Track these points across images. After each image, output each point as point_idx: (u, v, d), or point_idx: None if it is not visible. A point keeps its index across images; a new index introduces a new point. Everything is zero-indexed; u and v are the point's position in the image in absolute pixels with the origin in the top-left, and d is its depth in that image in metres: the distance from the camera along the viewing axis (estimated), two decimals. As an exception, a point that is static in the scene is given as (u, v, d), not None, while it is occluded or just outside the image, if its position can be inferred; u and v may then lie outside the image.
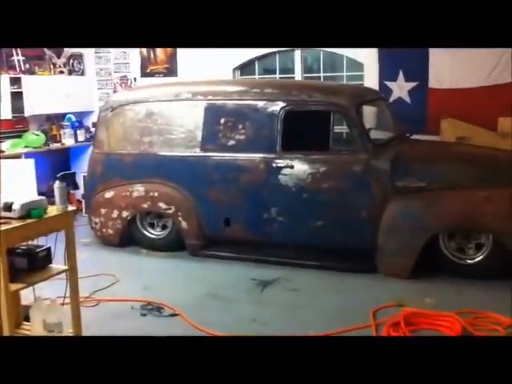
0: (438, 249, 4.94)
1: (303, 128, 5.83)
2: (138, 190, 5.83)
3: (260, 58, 8.23)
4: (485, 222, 4.74)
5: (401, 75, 7.32)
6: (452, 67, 7.02)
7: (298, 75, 8.07)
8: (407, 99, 7.33)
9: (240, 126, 5.59)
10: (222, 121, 5.65)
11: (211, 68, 7.69)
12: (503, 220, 4.67)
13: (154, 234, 6.02)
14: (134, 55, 8.35)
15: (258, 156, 5.47)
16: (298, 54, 8.02)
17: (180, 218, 5.71)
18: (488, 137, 6.48)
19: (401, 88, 7.35)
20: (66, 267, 3.56)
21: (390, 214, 5.02)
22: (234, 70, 8.18)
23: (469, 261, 4.93)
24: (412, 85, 7.30)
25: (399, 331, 3.84)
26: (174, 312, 4.35)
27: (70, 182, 7.27)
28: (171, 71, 8.21)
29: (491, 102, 6.79)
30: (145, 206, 5.84)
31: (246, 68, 8.27)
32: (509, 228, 4.65)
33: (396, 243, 4.96)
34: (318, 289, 4.85)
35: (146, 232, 6.02)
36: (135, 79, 8.41)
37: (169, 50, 8.23)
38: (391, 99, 7.24)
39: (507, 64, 6.73)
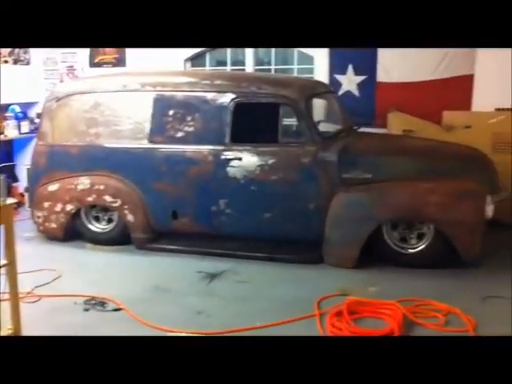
0: (381, 239, 5.04)
1: (252, 120, 5.84)
2: (83, 182, 5.70)
3: (211, 50, 8.19)
4: (428, 212, 4.85)
5: (350, 69, 7.42)
6: (399, 61, 7.15)
7: (249, 67, 8.06)
8: (356, 92, 7.44)
9: (189, 118, 5.54)
10: (171, 112, 5.59)
11: (161, 59, 7.59)
12: (445, 211, 4.79)
13: (99, 227, 5.90)
14: (81, 45, 8.17)
15: (207, 148, 5.43)
16: (248, 46, 8.01)
17: (126, 211, 5.63)
18: (433, 130, 6.65)
19: (350, 81, 7.45)
20: (4, 262, 3.45)
21: (336, 205, 5.08)
22: (185, 61, 8.10)
23: (411, 250, 5.06)
24: (361, 78, 7.41)
25: (342, 320, 3.90)
26: (118, 306, 4.29)
27: (9, 174, 7.07)
28: (120, 61, 8.08)
29: (436, 96, 6.96)
30: (90, 199, 5.72)
31: (196, 59, 8.20)
32: (450, 218, 4.78)
33: (342, 234, 5.04)
34: (265, 280, 4.87)
35: (90, 226, 5.90)
36: (83, 69, 8.23)
37: (117, 40, 8.10)
38: (340, 92, 7.34)
39: (453, 59, 6.90)
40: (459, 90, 6.84)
